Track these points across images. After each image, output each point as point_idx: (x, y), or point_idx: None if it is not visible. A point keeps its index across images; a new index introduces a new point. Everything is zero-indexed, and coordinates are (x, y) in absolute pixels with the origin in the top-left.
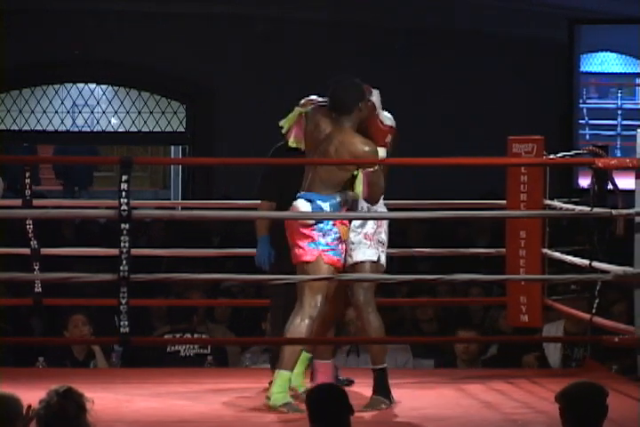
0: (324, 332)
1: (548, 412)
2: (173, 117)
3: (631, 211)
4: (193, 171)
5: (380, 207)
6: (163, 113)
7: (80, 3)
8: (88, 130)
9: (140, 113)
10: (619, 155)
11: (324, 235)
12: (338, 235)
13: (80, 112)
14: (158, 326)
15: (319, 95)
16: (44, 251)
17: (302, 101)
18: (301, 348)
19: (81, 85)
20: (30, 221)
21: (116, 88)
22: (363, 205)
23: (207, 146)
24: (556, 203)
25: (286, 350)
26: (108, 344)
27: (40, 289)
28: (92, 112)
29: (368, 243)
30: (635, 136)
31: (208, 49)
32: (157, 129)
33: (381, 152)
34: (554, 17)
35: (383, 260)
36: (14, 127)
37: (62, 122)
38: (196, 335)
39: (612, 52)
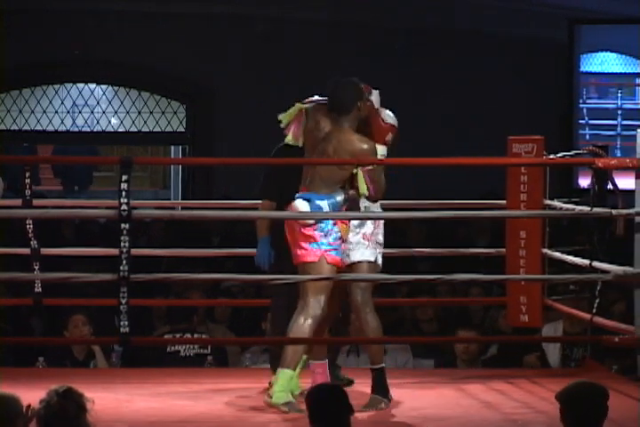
0: (321, 332)
1: (547, 412)
2: (173, 117)
3: (631, 211)
4: (193, 171)
5: (376, 207)
6: (163, 113)
7: (80, 3)
8: (88, 130)
9: (139, 113)
10: (619, 155)
11: (325, 235)
12: (339, 234)
13: (80, 112)
14: (158, 326)
15: (320, 95)
16: (44, 251)
17: (306, 102)
18: (304, 347)
19: (81, 85)
20: (30, 221)
21: (115, 88)
22: (363, 204)
23: (207, 146)
24: (556, 203)
25: (289, 349)
26: (108, 344)
27: (40, 289)
28: (92, 112)
29: (366, 243)
30: (635, 136)
31: (208, 49)
32: (157, 129)
33: (382, 150)
34: (554, 17)
35: (380, 261)
36: (14, 127)
37: (62, 122)
38: (196, 335)
39: (612, 52)
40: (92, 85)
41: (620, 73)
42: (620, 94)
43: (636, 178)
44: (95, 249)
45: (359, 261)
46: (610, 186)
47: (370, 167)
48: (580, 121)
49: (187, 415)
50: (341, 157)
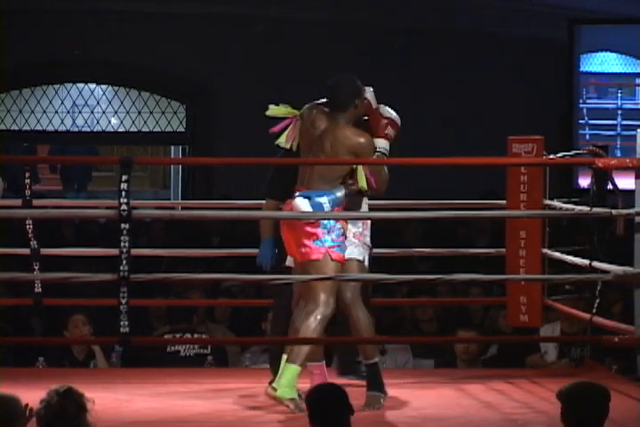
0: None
1: (547, 412)
2: (173, 117)
3: (631, 211)
4: (193, 171)
5: (363, 208)
6: (163, 113)
7: (80, 3)
8: (88, 130)
9: (139, 113)
10: (619, 155)
11: (328, 232)
12: (342, 231)
13: (80, 112)
14: (158, 326)
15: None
16: (44, 251)
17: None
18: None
19: (81, 85)
20: (30, 221)
21: (115, 88)
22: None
23: (207, 146)
24: (555, 203)
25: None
26: (108, 344)
27: (40, 289)
28: (92, 112)
29: (356, 242)
30: (635, 136)
31: (208, 49)
32: (157, 129)
33: (384, 144)
34: (554, 17)
35: (367, 262)
36: (14, 127)
37: (62, 122)
38: (196, 335)
39: (611, 52)
40: (92, 85)
41: (620, 73)
42: (619, 94)
43: (636, 178)
44: (95, 249)
45: (348, 259)
46: (610, 186)
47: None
48: (580, 121)
49: (187, 415)
50: (339, 153)
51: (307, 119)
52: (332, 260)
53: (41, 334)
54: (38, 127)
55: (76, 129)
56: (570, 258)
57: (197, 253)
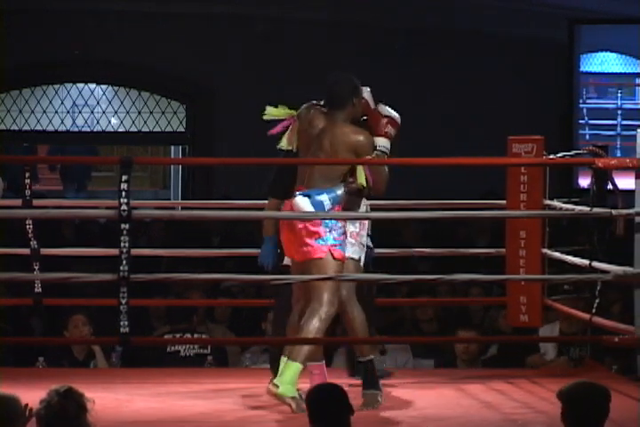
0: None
1: (547, 412)
2: (173, 117)
3: (631, 211)
4: (193, 171)
5: (362, 208)
6: (163, 113)
7: (80, 3)
8: (88, 130)
9: (139, 113)
10: (619, 155)
11: (330, 230)
12: (343, 229)
13: (80, 112)
14: (158, 327)
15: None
16: (44, 251)
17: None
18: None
19: (81, 85)
20: (30, 221)
21: (115, 88)
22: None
23: (207, 146)
24: (555, 203)
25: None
26: (108, 344)
27: (40, 289)
28: (92, 112)
29: (353, 241)
30: (635, 136)
31: (208, 49)
32: (157, 129)
33: (384, 143)
34: (554, 17)
35: (362, 261)
36: (14, 127)
37: (62, 122)
38: (195, 335)
39: (611, 52)
40: (92, 85)
41: (620, 73)
42: (619, 94)
43: (636, 178)
44: (95, 249)
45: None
46: (610, 186)
47: (368, 157)
48: (580, 121)
49: (187, 415)
50: (338, 150)
51: (304, 119)
52: (334, 258)
53: (41, 334)
54: (38, 127)
55: (75, 129)
56: (570, 258)
57: (197, 253)
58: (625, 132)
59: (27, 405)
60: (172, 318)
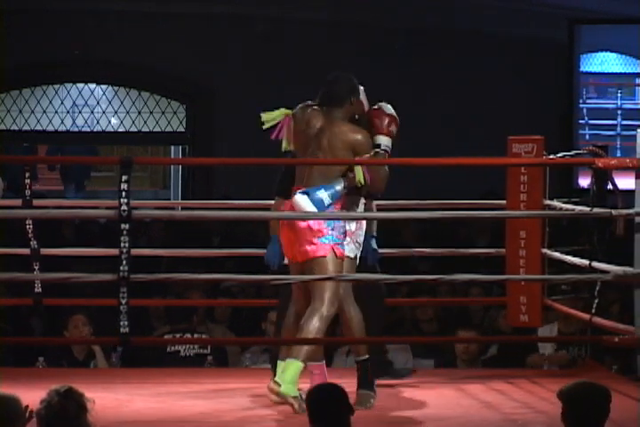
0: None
1: (547, 412)
2: (173, 117)
3: (631, 211)
4: (193, 171)
5: (360, 207)
6: (163, 113)
7: (80, 3)
8: (88, 130)
9: (139, 113)
10: (619, 155)
11: (333, 228)
12: (344, 229)
13: (80, 112)
14: (158, 327)
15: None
16: (44, 251)
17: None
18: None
19: (81, 85)
20: (30, 221)
21: (115, 88)
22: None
23: (207, 146)
24: (555, 203)
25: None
26: (108, 344)
27: (40, 289)
28: (92, 112)
29: (348, 239)
30: (635, 136)
31: (208, 49)
32: (157, 129)
33: (386, 141)
34: (554, 17)
35: (358, 259)
36: (14, 127)
37: (62, 122)
38: (195, 335)
39: (611, 52)
40: (92, 85)
41: (620, 73)
42: (619, 94)
43: (636, 178)
44: (95, 249)
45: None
46: (610, 186)
47: (367, 155)
48: (580, 121)
49: (187, 415)
50: (336, 149)
51: (301, 120)
52: (337, 257)
53: (41, 334)
54: (38, 127)
55: (76, 129)
56: (570, 258)
57: (197, 254)
58: (625, 132)
59: (27, 406)
60: (171, 318)
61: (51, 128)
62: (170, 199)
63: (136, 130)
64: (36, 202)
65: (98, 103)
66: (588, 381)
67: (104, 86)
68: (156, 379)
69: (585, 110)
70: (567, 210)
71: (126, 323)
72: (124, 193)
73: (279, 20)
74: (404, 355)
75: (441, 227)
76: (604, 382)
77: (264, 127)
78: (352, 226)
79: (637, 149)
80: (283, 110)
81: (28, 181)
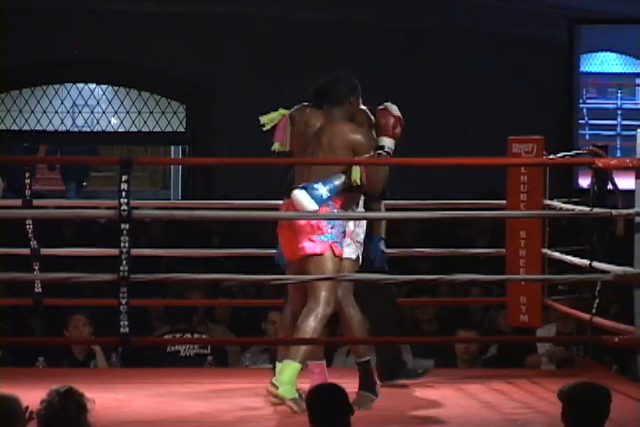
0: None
1: (547, 412)
2: (173, 117)
3: (631, 211)
4: (193, 171)
5: (360, 208)
6: (163, 113)
7: (80, 3)
8: (88, 130)
9: (139, 113)
10: (619, 155)
11: (332, 227)
12: (344, 228)
13: (80, 112)
14: (158, 327)
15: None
16: (44, 251)
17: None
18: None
19: (81, 85)
20: (30, 221)
21: (115, 88)
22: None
23: (207, 146)
24: (555, 203)
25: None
26: (108, 344)
27: (40, 289)
28: (92, 112)
29: (348, 241)
30: (635, 136)
31: (208, 49)
32: (157, 129)
33: (390, 143)
34: (554, 17)
35: (360, 260)
36: (14, 127)
37: (62, 122)
38: (196, 335)
39: (611, 52)
40: (92, 85)
41: (620, 73)
42: (619, 94)
43: (636, 178)
44: (95, 249)
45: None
46: (610, 186)
47: (366, 155)
48: (580, 121)
49: (187, 415)
50: (336, 148)
51: (299, 120)
52: (334, 255)
53: (41, 334)
54: (38, 127)
55: (76, 129)
56: (570, 258)
57: (197, 254)
58: (625, 132)
59: (27, 407)
60: (171, 318)
61: (51, 128)
62: (170, 199)
63: (136, 130)
64: (36, 202)
65: (98, 103)
66: (588, 381)
67: (104, 86)
68: (156, 379)
69: (585, 110)
70: (567, 210)
71: (126, 323)
72: (124, 193)
73: (279, 20)
74: (404, 355)
75: (441, 227)
76: (604, 382)
77: (264, 129)
78: (351, 225)
79: (637, 148)
80: (280, 111)
81: (28, 181)
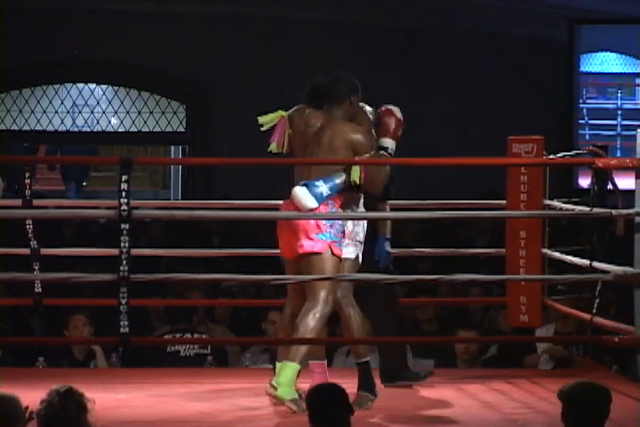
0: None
1: (547, 412)
2: (173, 117)
3: (631, 211)
4: (193, 171)
5: (360, 208)
6: (163, 113)
7: (80, 3)
8: (88, 130)
9: (139, 113)
10: (619, 155)
11: (331, 226)
12: (343, 228)
13: (80, 112)
14: (158, 327)
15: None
16: (44, 251)
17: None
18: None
19: (81, 85)
20: (30, 221)
21: (115, 88)
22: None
23: (207, 146)
24: (555, 203)
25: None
26: (108, 344)
27: (40, 289)
28: (92, 112)
29: (347, 241)
30: (635, 136)
31: (208, 49)
32: (157, 129)
33: (392, 144)
34: (554, 17)
35: (360, 258)
36: (14, 127)
37: (62, 122)
38: (196, 335)
39: (611, 52)
40: (92, 85)
41: (620, 73)
42: (619, 94)
43: (636, 178)
44: (95, 249)
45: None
46: (610, 186)
47: (366, 155)
48: (580, 121)
49: (187, 415)
50: (336, 148)
51: (299, 121)
52: (333, 254)
53: (41, 334)
54: (38, 127)
55: (76, 129)
56: (570, 258)
57: (197, 254)
58: (625, 132)
59: (27, 407)
60: (171, 318)
61: (51, 128)
62: (170, 199)
63: (136, 130)
64: (36, 202)
65: (98, 103)
66: (588, 381)
67: (104, 86)
68: (156, 379)
69: (585, 110)
70: (567, 210)
71: (126, 323)
72: (124, 193)
73: (279, 20)
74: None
75: (441, 227)
76: (604, 382)
77: (262, 129)
78: (349, 225)
79: (637, 148)
80: (279, 112)
81: (28, 181)
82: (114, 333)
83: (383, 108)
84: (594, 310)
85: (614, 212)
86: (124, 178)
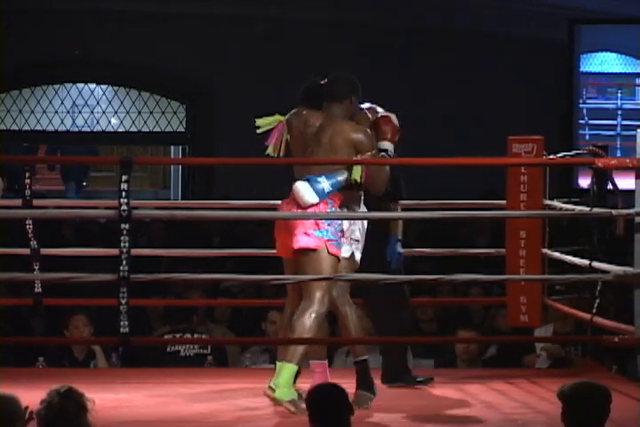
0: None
1: (547, 412)
2: (173, 117)
3: (631, 211)
4: (193, 171)
5: (361, 207)
6: (163, 113)
7: (80, 3)
8: (88, 130)
9: (139, 113)
10: (619, 155)
11: (329, 224)
12: (342, 227)
13: (80, 112)
14: (158, 327)
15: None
16: (44, 251)
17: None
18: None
19: (81, 85)
20: (30, 221)
21: (115, 88)
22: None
23: (207, 146)
24: (555, 203)
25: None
26: (108, 344)
27: (40, 289)
28: (92, 112)
29: (344, 240)
30: (635, 136)
31: (208, 49)
32: (157, 129)
33: (391, 147)
34: (554, 17)
35: (358, 257)
36: (14, 127)
37: (62, 122)
38: (195, 335)
39: (611, 52)
40: (92, 85)
41: (620, 73)
42: (619, 94)
43: (636, 178)
44: (95, 249)
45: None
46: (610, 186)
47: (368, 154)
48: (580, 121)
49: (187, 415)
50: (337, 147)
51: (298, 122)
52: (329, 253)
53: (41, 334)
54: (38, 127)
55: (76, 129)
56: (570, 258)
57: (197, 254)
58: (625, 132)
59: (27, 407)
60: (171, 318)
61: (51, 128)
62: (170, 199)
63: (136, 130)
64: (36, 202)
65: (98, 103)
66: (588, 381)
67: (104, 86)
68: (156, 379)
69: (585, 110)
70: (567, 210)
71: (126, 323)
72: (124, 193)
73: (279, 20)
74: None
75: (441, 227)
76: (604, 382)
77: (258, 131)
78: (345, 223)
79: (637, 148)
80: (277, 116)
81: (28, 181)
82: (114, 333)
83: (382, 114)
84: (594, 310)
85: (614, 212)
86: (123, 178)
